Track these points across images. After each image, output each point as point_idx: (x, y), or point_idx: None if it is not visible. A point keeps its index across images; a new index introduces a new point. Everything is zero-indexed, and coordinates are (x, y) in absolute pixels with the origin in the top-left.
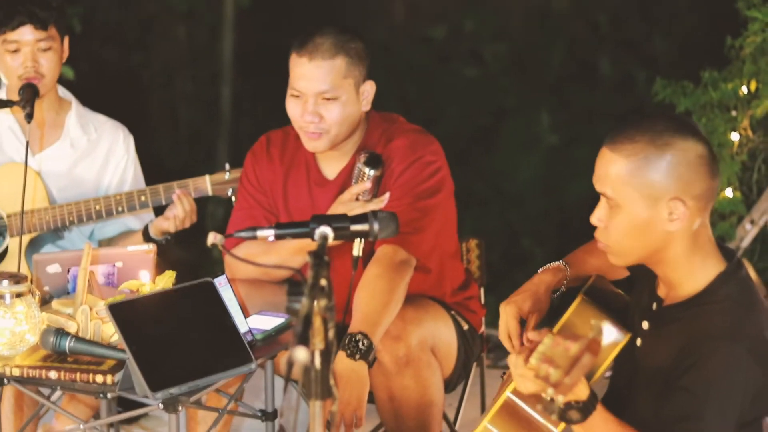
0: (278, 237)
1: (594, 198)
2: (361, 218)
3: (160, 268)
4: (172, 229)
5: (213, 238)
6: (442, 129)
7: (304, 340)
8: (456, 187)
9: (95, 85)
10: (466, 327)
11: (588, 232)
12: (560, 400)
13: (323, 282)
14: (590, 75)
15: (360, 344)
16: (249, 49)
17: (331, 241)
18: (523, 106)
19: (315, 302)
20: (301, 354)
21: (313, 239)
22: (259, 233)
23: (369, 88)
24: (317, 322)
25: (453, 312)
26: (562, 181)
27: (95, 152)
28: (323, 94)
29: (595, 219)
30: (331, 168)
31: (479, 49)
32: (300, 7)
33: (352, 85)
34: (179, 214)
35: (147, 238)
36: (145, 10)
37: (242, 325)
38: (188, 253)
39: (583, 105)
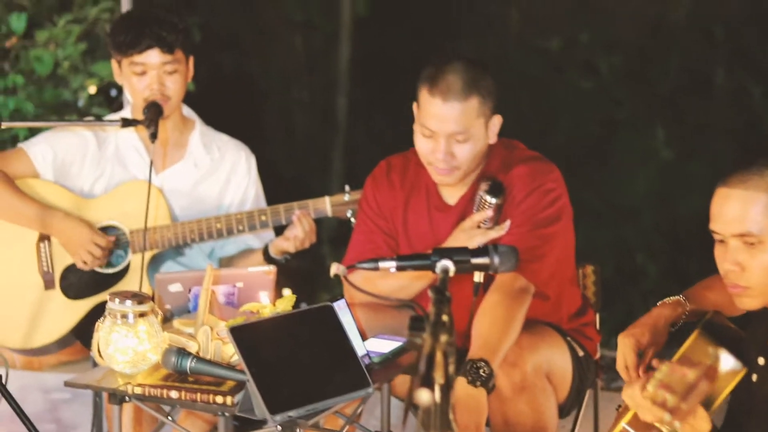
0: (399, 269)
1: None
2: (481, 252)
3: (279, 285)
4: (291, 250)
5: (336, 269)
6: (555, 140)
7: (428, 382)
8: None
9: (213, 94)
10: (581, 353)
11: (701, 248)
12: (677, 427)
13: (445, 318)
14: (705, 88)
15: (481, 371)
16: (365, 58)
17: (452, 274)
18: (636, 119)
19: (437, 340)
20: (425, 397)
21: (434, 272)
22: (381, 265)
23: (496, 122)
24: (439, 357)
25: (569, 338)
26: (676, 196)
27: (217, 172)
28: (456, 136)
29: (731, 264)
30: (451, 194)
31: (593, 60)
32: (416, 15)
33: (483, 124)
34: (299, 234)
35: (267, 257)
36: (262, 19)
37: (360, 348)
38: (306, 265)
39: (697, 118)
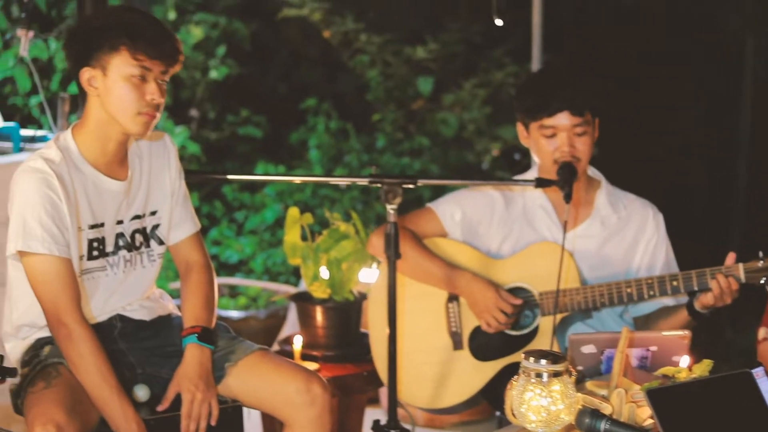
0: None
1: None
2: None
3: (693, 353)
4: (717, 304)
5: (765, 333)
6: None
7: None
8: None
9: (609, 157)
10: None
11: None
12: None
13: None
14: None
15: None
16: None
17: None
18: None
19: None
20: None
21: None
22: None
23: None
24: None
25: None
26: None
27: (624, 230)
28: None
29: None
30: None
31: None
32: None
33: None
34: (716, 291)
35: (691, 310)
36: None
37: None
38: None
39: None
